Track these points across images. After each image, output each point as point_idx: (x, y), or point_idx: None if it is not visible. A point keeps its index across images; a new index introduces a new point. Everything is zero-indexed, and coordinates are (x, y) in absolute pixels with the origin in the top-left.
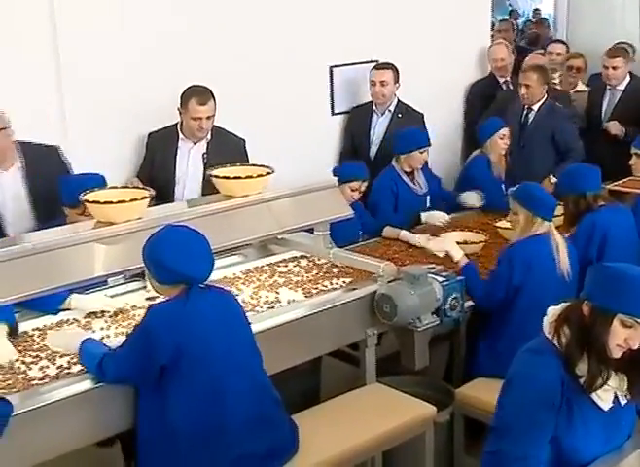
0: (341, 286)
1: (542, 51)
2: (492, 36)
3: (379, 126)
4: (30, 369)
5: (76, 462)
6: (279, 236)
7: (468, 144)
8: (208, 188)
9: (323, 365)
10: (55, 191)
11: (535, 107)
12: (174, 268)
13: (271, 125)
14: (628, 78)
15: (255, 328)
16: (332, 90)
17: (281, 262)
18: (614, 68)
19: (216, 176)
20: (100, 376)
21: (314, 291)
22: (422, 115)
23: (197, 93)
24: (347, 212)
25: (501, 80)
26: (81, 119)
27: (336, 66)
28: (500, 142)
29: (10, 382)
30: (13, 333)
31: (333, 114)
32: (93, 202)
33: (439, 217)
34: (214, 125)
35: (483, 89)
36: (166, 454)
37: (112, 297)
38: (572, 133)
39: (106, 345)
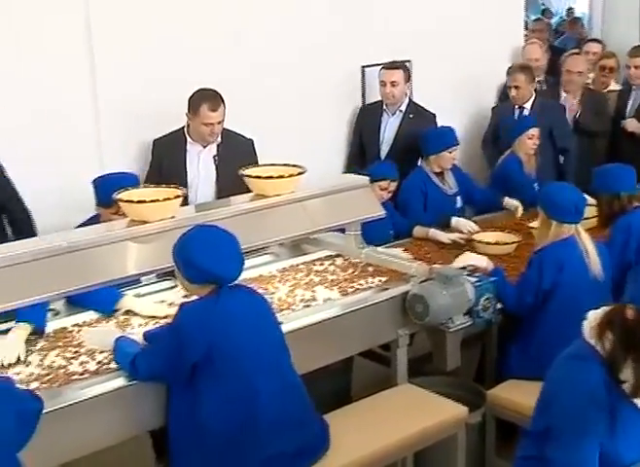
0: (377, 285)
1: (577, 50)
2: (526, 36)
3: (390, 127)
4: (71, 364)
5: (107, 459)
6: (311, 236)
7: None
8: (223, 191)
9: (354, 365)
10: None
11: (527, 105)
12: (204, 267)
13: (304, 125)
14: None
15: (286, 327)
16: (363, 90)
17: (317, 260)
18: (636, 67)
19: (248, 175)
20: (133, 373)
21: (350, 290)
22: (434, 115)
23: (208, 98)
24: (379, 212)
25: None
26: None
27: (368, 66)
28: (528, 142)
29: (50, 377)
30: (38, 333)
31: None
32: (127, 201)
33: (466, 225)
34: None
35: None
36: (197, 452)
37: (144, 295)
38: (568, 129)
39: (139, 343)
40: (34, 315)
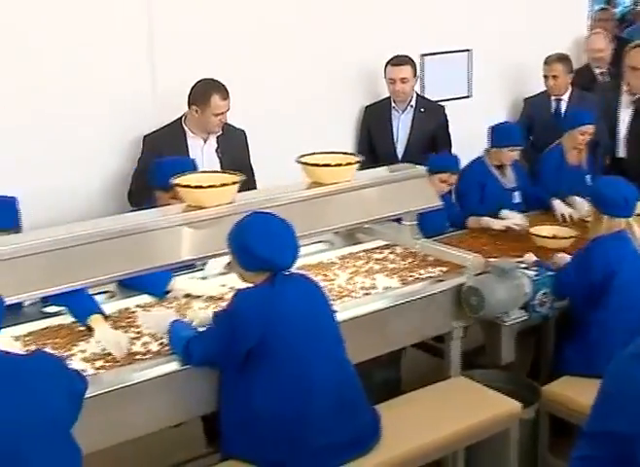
0: (438, 275)
1: None
2: (590, 25)
3: (403, 124)
4: (134, 344)
5: (156, 443)
6: (365, 225)
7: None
8: None
9: (405, 356)
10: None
11: (564, 97)
12: (260, 254)
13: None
14: None
15: (340, 317)
16: (423, 79)
17: (375, 249)
18: None
19: (305, 163)
20: (186, 358)
21: (410, 279)
22: (443, 108)
23: (218, 88)
24: (436, 203)
25: (597, 70)
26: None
27: (427, 55)
28: (579, 138)
29: (114, 356)
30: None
31: None
32: (184, 186)
33: (514, 218)
34: None
35: (578, 80)
36: (249, 439)
37: (204, 279)
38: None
39: (194, 328)
40: (96, 306)
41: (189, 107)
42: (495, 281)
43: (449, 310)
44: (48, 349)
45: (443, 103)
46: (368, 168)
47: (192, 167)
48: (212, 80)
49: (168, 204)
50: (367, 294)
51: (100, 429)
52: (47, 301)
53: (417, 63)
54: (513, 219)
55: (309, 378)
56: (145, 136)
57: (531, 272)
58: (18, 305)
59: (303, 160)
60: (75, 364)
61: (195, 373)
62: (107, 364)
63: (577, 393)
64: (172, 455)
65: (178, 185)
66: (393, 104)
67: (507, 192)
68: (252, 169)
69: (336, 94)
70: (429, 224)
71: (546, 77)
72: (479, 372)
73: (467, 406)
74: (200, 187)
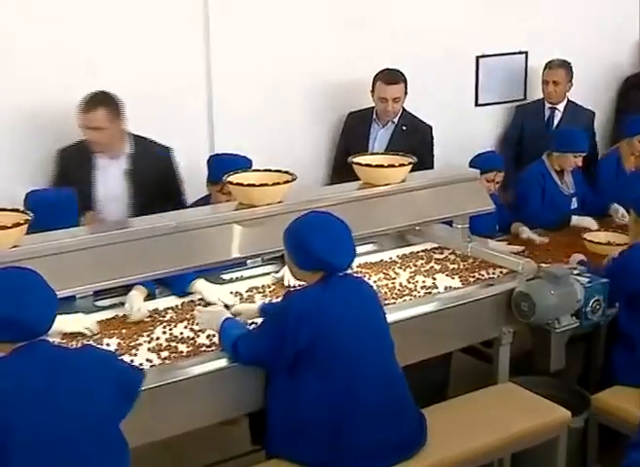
0: (498, 276)
1: None
2: None
3: (380, 140)
4: (198, 336)
5: (202, 439)
6: (416, 227)
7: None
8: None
9: (453, 360)
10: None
11: (560, 107)
12: (317, 254)
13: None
14: None
15: (390, 318)
16: (477, 81)
17: (436, 249)
18: None
19: (358, 163)
20: (234, 355)
21: (471, 279)
22: (430, 127)
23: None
24: (489, 206)
25: None
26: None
27: (483, 56)
28: (638, 145)
29: (179, 349)
30: (151, 296)
31: (476, 105)
32: (236, 184)
33: (587, 224)
34: (135, 135)
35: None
36: (296, 440)
37: (251, 278)
38: (594, 140)
39: (245, 327)
40: (150, 284)
41: None
42: (547, 287)
43: (499, 315)
44: (114, 339)
45: (499, 106)
46: (345, 178)
47: (246, 165)
48: (96, 94)
49: (219, 199)
50: (428, 293)
51: (147, 423)
52: (99, 294)
53: (472, 65)
54: (589, 224)
55: (355, 380)
56: (59, 151)
57: (584, 279)
58: (72, 298)
59: (356, 160)
60: (141, 354)
61: (243, 370)
62: (172, 354)
63: (628, 403)
64: (216, 452)
65: (230, 182)
66: (374, 116)
67: (565, 197)
68: (178, 189)
69: None
70: (478, 227)
71: (546, 82)
72: (527, 378)
73: (514, 412)
74: (253, 185)
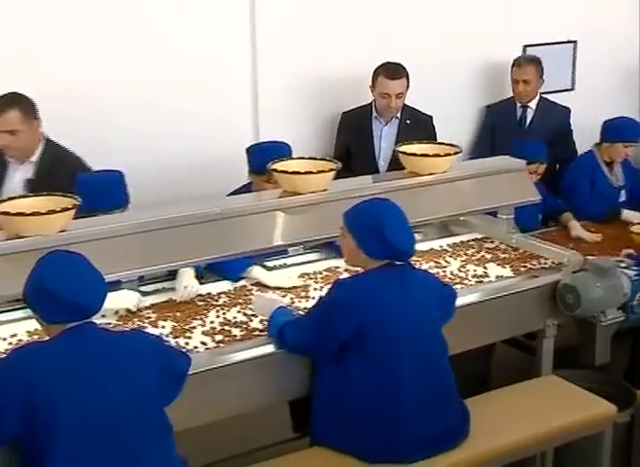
0: (550, 266)
1: None
2: None
3: (386, 137)
4: (251, 321)
5: (244, 423)
6: (461, 218)
7: None
8: None
9: (495, 351)
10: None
11: (532, 104)
12: (393, 242)
13: (457, 105)
14: None
15: None
16: None
17: (487, 238)
18: None
19: (403, 152)
20: (280, 342)
21: (523, 269)
22: (431, 118)
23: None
24: (535, 197)
25: None
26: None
27: (529, 46)
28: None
29: (233, 333)
30: (199, 277)
31: None
32: (281, 172)
33: (635, 217)
34: (51, 141)
35: None
36: (340, 429)
37: (294, 265)
38: (570, 137)
39: (295, 315)
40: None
41: None
42: (593, 280)
43: (544, 307)
44: (168, 322)
45: (546, 95)
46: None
47: (287, 153)
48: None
49: (262, 189)
50: (479, 282)
51: (191, 408)
52: (143, 279)
53: (519, 55)
54: (635, 217)
55: (403, 373)
56: None
57: (631, 272)
58: (118, 283)
59: (401, 149)
60: (195, 337)
61: (287, 357)
62: (227, 338)
63: None
64: (258, 438)
65: (275, 170)
66: (375, 114)
67: (614, 189)
68: None
69: None
70: (520, 217)
71: (515, 81)
72: (571, 371)
73: (558, 405)
74: (297, 173)
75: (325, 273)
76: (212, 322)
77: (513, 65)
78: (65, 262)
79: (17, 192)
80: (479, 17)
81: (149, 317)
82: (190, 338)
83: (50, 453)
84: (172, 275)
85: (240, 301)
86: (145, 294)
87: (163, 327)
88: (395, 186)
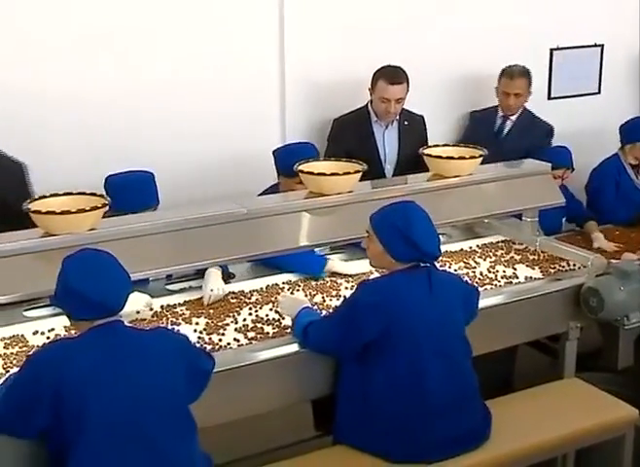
0: (579, 268)
1: None
2: None
3: (389, 141)
4: (283, 318)
5: (267, 421)
6: (485, 220)
7: None
8: None
9: (518, 353)
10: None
11: (513, 117)
12: (420, 245)
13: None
14: None
15: None
16: (550, 74)
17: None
18: None
19: (428, 155)
20: (304, 341)
21: (552, 270)
22: (423, 117)
23: None
24: (559, 200)
25: None
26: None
27: (557, 49)
28: None
29: (265, 330)
30: (225, 276)
31: (549, 98)
32: (307, 173)
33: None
34: None
35: None
36: (363, 429)
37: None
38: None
39: (320, 316)
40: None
41: None
42: (616, 283)
43: (567, 310)
44: (202, 318)
45: (572, 99)
46: None
47: (314, 153)
48: None
49: (290, 189)
50: (508, 283)
51: (217, 405)
52: (171, 277)
53: (547, 58)
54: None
55: (425, 374)
56: None
57: None
58: (145, 281)
59: (427, 151)
60: (228, 333)
61: (311, 357)
62: (259, 335)
63: None
64: (281, 436)
65: (302, 171)
66: (375, 118)
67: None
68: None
69: None
70: (545, 220)
71: (506, 94)
72: (594, 374)
73: (580, 408)
74: (323, 174)
75: None
76: (245, 319)
77: (502, 76)
78: (91, 261)
79: None
80: (505, 20)
81: (182, 314)
82: (223, 335)
83: (76, 445)
84: (200, 274)
85: (272, 299)
86: (175, 292)
87: (197, 323)
88: (421, 188)
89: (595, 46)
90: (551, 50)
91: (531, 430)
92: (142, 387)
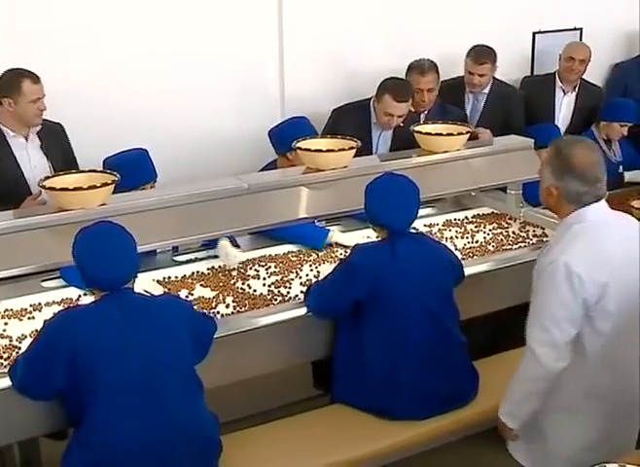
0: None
1: None
2: None
3: (382, 143)
4: (291, 287)
5: (269, 382)
6: (472, 193)
7: None
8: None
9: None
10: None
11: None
12: (375, 215)
13: None
14: None
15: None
16: (532, 57)
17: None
18: None
19: (418, 132)
20: (307, 304)
21: None
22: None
23: (27, 74)
24: None
25: None
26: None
27: (539, 32)
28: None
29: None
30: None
31: None
32: (304, 150)
33: (638, 176)
34: None
35: None
36: (359, 385)
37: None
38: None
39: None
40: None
41: (0, 103)
42: None
43: None
44: (208, 289)
45: None
46: None
47: (307, 127)
48: (18, 68)
49: (290, 166)
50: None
51: (222, 367)
52: (177, 249)
53: (529, 41)
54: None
55: (408, 329)
56: None
57: None
58: (153, 253)
59: (417, 128)
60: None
61: (311, 320)
62: (274, 301)
63: None
64: (282, 396)
65: (299, 148)
66: (374, 120)
67: (612, 164)
68: (76, 163)
69: None
70: (530, 193)
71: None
72: None
73: None
74: (319, 151)
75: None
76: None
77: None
78: (101, 236)
79: (39, 158)
80: (490, 5)
81: (192, 284)
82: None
83: (92, 405)
84: (205, 246)
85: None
86: (180, 263)
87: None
88: (412, 163)
89: (574, 29)
90: (534, 33)
91: None
92: (151, 350)
